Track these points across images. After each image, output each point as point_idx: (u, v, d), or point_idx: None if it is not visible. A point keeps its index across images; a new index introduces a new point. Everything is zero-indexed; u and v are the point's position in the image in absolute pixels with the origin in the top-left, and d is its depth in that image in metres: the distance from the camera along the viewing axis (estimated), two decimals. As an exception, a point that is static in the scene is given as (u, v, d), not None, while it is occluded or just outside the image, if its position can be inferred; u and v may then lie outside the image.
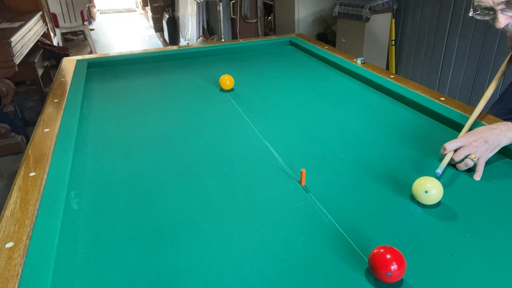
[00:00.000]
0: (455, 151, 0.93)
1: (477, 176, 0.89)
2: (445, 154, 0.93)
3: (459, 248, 0.70)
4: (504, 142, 0.93)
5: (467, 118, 1.07)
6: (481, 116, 1.11)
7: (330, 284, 0.63)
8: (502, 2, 0.92)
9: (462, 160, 0.92)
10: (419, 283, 0.63)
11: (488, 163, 0.93)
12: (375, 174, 0.93)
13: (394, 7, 3.03)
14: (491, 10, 0.95)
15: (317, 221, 0.78)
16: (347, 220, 0.77)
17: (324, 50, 1.81)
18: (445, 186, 0.86)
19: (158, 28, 6.55)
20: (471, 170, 0.92)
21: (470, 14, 1.01)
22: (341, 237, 0.73)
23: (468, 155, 0.91)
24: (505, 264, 0.66)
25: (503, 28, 0.97)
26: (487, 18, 0.98)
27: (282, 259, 0.69)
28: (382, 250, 0.62)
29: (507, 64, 1.17)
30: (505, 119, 1.09)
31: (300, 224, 0.77)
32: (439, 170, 0.88)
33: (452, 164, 0.94)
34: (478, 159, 0.90)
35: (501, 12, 0.94)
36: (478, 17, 0.99)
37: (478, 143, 0.91)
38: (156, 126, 1.23)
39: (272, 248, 0.71)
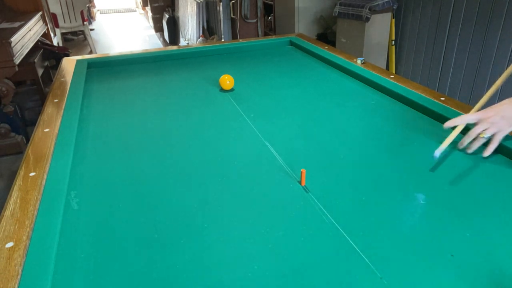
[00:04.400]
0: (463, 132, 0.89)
1: (487, 152, 0.85)
2: (450, 127, 0.88)
3: (459, 248, 0.70)
4: None
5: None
6: None
7: (330, 284, 0.63)
8: None
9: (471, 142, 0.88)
10: (419, 283, 0.63)
11: (488, 162, 0.93)
12: (375, 174, 0.93)
13: (394, 7, 3.03)
14: None
15: (317, 221, 0.78)
16: (347, 220, 0.77)
17: (324, 50, 1.81)
18: (445, 185, 0.86)
19: (158, 28, 6.55)
20: (471, 170, 0.92)
21: None
22: (341, 237, 0.73)
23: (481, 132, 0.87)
24: (505, 264, 0.66)
25: None
26: None
27: (282, 259, 0.69)
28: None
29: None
30: None
31: (300, 224, 0.77)
32: (438, 152, 0.84)
33: (459, 148, 0.91)
34: (495, 134, 0.86)
35: None
36: None
37: (493, 119, 0.87)
38: (156, 126, 1.23)
39: (272, 248, 0.71)
